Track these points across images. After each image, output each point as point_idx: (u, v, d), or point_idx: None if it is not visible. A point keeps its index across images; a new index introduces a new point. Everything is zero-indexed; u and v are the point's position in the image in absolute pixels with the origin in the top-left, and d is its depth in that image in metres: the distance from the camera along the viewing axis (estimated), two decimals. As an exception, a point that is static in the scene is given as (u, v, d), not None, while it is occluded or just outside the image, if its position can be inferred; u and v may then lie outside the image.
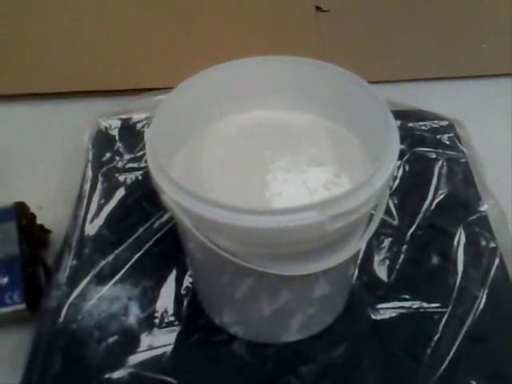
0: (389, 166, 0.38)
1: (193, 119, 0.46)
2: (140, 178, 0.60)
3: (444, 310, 0.49)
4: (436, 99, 0.72)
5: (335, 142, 0.45)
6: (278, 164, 0.43)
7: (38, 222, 0.59)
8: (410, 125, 0.64)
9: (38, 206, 0.60)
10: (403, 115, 0.64)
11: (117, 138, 0.64)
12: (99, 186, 0.59)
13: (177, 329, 0.48)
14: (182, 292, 0.51)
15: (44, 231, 0.60)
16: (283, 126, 0.47)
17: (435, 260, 0.52)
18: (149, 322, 0.49)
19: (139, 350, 0.47)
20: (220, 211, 0.35)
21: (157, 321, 0.49)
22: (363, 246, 0.43)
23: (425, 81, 0.76)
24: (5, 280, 0.52)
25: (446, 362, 0.45)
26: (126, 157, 0.62)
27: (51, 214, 0.60)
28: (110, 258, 0.53)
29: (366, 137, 0.44)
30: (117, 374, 0.46)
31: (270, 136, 0.46)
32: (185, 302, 0.50)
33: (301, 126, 0.47)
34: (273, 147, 0.45)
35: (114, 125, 0.66)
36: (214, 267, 0.43)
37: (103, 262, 0.53)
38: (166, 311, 0.50)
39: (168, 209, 0.38)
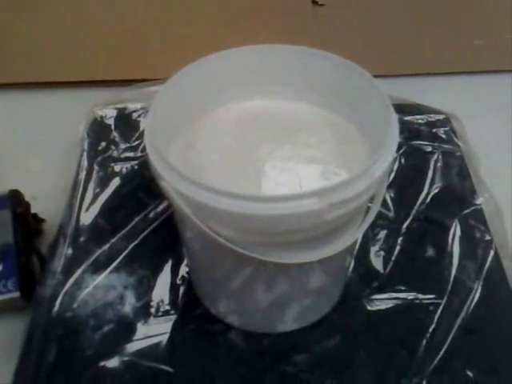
0: (388, 156, 0.38)
1: (191, 107, 0.45)
2: (136, 167, 0.60)
3: (439, 301, 0.49)
4: (432, 94, 0.72)
5: (335, 132, 0.45)
6: (276, 154, 0.43)
7: (32, 212, 0.59)
8: (407, 118, 0.64)
9: (32, 196, 0.60)
10: (400, 109, 0.63)
11: (112, 127, 0.64)
12: (94, 175, 0.59)
13: (172, 318, 0.48)
14: (178, 282, 0.51)
15: (38, 220, 0.59)
16: (283, 115, 0.47)
17: (430, 252, 0.53)
18: (144, 311, 0.49)
19: (135, 338, 0.47)
20: (220, 198, 0.35)
21: (152, 310, 0.49)
22: (360, 236, 0.43)
23: (421, 76, 0.76)
24: (-1, 268, 0.52)
25: (441, 353, 0.45)
26: (122, 146, 0.62)
27: (45, 204, 0.60)
28: (106, 246, 0.53)
29: (366, 128, 0.44)
30: (112, 363, 0.46)
31: (269, 125, 0.46)
32: (180, 292, 0.50)
33: (301, 116, 0.47)
34: (272, 137, 0.45)
35: (109, 114, 0.65)
36: (211, 256, 0.43)
37: (99, 251, 0.52)
38: (161, 300, 0.49)
39: (166, 195, 0.38)
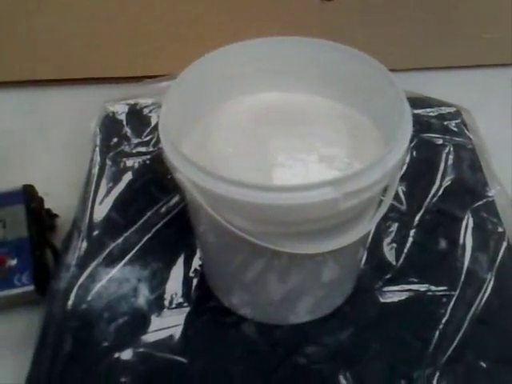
0: (401, 147, 0.38)
1: (204, 100, 0.46)
2: (148, 162, 0.60)
3: (452, 293, 0.49)
4: (441, 88, 0.72)
5: (348, 125, 0.45)
6: (290, 146, 0.44)
7: (45, 207, 0.59)
8: (417, 111, 0.64)
9: (44, 192, 0.60)
10: (410, 102, 0.64)
11: (124, 122, 0.64)
12: (107, 170, 0.59)
13: (186, 310, 0.49)
14: (191, 274, 0.51)
15: (51, 215, 0.60)
16: (296, 107, 0.47)
17: (443, 244, 0.53)
18: (158, 303, 0.49)
19: (149, 330, 0.47)
20: (234, 188, 0.35)
21: (166, 302, 0.49)
22: (373, 227, 0.43)
23: (430, 70, 0.77)
24: (14, 262, 0.52)
25: (454, 345, 0.46)
26: (134, 141, 0.62)
27: (58, 200, 0.61)
28: (119, 240, 0.53)
29: (380, 120, 0.44)
30: (127, 354, 0.46)
31: (282, 118, 0.46)
32: (194, 284, 0.50)
33: (314, 109, 0.47)
34: (285, 129, 0.45)
35: (121, 110, 0.66)
36: (225, 247, 0.43)
37: (112, 245, 0.53)
38: (175, 293, 0.50)
39: (181, 187, 0.38)
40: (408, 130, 0.39)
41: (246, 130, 0.45)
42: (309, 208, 0.35)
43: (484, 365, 0.45)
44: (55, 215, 0.60)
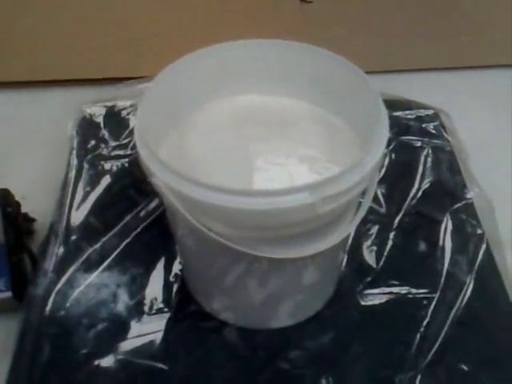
0: (378, 150, 0.38)
1: (181, 102, 0.45)
2: (126, 165, 0.59)
3: (432, 295, 0.49)
4: (421, 90, 0.73)
5: (326, 128, 0.45)
6: (268, 149, 0.43)
7: (22, 211, 0.58)
8: (396, 114, 0.64)
9: (21, 195, 0.60)
10: (388, 104, 0.64)
11: (101, 125, 0.64)
12: (84, 174, 0.59)
13: (166, 315, 0.48)
14: (171, 279, 0.51)
15: (29, 219, 0.59)
16: (274, 111, 0.47)
17: (422, 247, 0.53)
18: (138, 309, 0.49)
19: (129, 336, 0.47)
20: (211, 192, 0.35)
21: (146, 308, 0.49)
22: (353, 230, 0.43)
23: (408, 72, 0.77)
24: (-10, 268, 0.51)
25: (435, 347, 0.46)
26: (112, 144, 0.62)
27: (35, 204, 0.60)
28: (98, 245, 0.52)
29: (357, 123, 0.44)
30: (106, 361, 0.46)
31: (261, 121, 0.46)
32: (174, 289, 0.50)
33: (291, 112, 0.47)
34: (264, 132, 0.45)
35: (98, 112, 0.65)
36: (204, 252, 0.43)
37: (90, 250, 0.52)
38: (155, 298, 0.49)
39: (158, 192, 0.37)
40: (384, 133, 0.39)
41: (224, 133, 0.45)
42: (286, 213, 0.35)
43: (465, 367, 0.45)
44: (32, 219, 0.59)
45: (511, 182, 0.61)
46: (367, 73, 0.71)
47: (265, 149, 0.43)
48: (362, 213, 0.40)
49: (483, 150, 0.63)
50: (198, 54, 0.45)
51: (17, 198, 0.58)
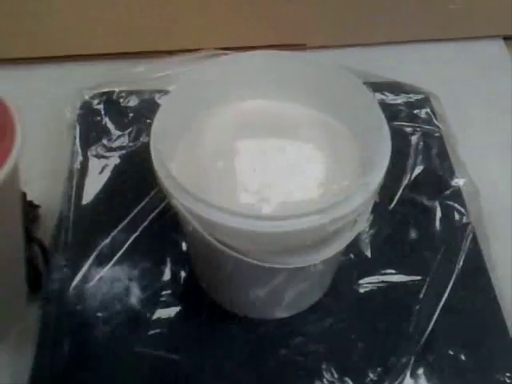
0: (382, 167, 0.41)
1: (195, 108, 0.47)
2: (130, 156, 0.61)
3: (423, 283, 0.53)
4: (407, 63, 0.75)
5: (330, 135, 0.48)
6: (276, 158, 0.46)
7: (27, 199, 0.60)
8: (386, 98, 0.66)
9: (23, 180, 0.61)
10: (379, 87, 0.67)
11: (102, 112, 0.65)
12: (90, 166, 0.60)
13: (177, 308, 0.51)
14: (180, 271, 0.53)
15: (33, 206, 0.61)
16: (281, 117, 0.49)
17: (414, 234, 0.56)
18: (150, 302, 0.52)
19: (142, 329, 0.50)
20: (229, 217, 0.38)
21: (158, 300, 0.52)
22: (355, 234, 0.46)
23: (399, 44, 0.78)
24: (2, 263, 0.54)
25: (427, 333, 0.50)
26: (114, 134, 0.63)
27: (38, 188, 0.61)
28: (107, 239, 0.55)
29: (359, 130, 0.47)
30: (124, 354, 0.49)
31: (267, 128, 0.48)
32: (183, 281, 0.53)
33: (298, 118, 0.49)
34: (271, 140, 0.47)
35: (98, 99, 0.66)
36: (212, 258, 0.45)
37: (102, 244, 0.54)
38: (165, 291, 0.52)
39: (176, 211, 0.40)
40: (387, 150, 0.41)
41: (232, 141, 0.47)
42: (298, 234, 0.38)
43: (451, 352, 0.49)
44: (37, 206, 0.61)
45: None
46: (352, 45, 0.74)
47: (272, 158, 0.46)
48: (364, 219, 0.44)
49: (471, 130, 0.66)
50: (209, 65, 0.47)
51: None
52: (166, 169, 0.40)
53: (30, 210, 0.59)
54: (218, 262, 0.45)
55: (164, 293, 0.52)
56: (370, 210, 0.44)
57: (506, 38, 0.80)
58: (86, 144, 0.62)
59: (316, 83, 0.47)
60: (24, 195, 0.59)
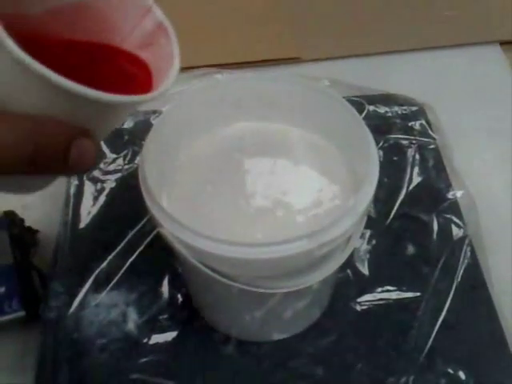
0: (370, 189, 0.40)
1: (181, 135, 0.47)
2: (125, 179, 0.61)
3: (421, 299, 0.52)
4: (404, 71, 0.75)
5: (320, 155, 0.48)
6: (266, 180, 0.46)
7: (26, 224, 0.60)
8: (382, 111, 0.66)
9: (22, 204, 0.62)
10: (374, 100, 0.67)
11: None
12: (85, 190, 0.60)
13: (174, 332, 0.51)
14: (177, 295, 0.53)
15: (32, 231, 0.61)
16: (270, 138, 0.49)
17: (412, 250, 0.56)
18: (147, 327, 0.52)
19: (139, 355, 0.50)
20: (217, 245, 0.37)
21: (155, 325, 0.52)
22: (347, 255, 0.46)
23: (393, 53, 0.78)
24: (2, 289, 0.54)
25: (426, 351, 0.49)
26: (110, 157, 0.63)
27: (37, 212, 0.62)
28: (104, 264, 0.55)
29: (345, 149, 0.47)
30: (121, 381, 0.49)
31: (256, 150, 0.48)
32: (180, 304, 0.53)
33: (287, 139, 0.49)
34: (260, 162, 0.47)
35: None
36: (204, 284, 0.46)
37: (98, 269, 0.54)
38: (162, 315, 0.52)
39: (164, 239, 0.40)
40: (375, 172, 0.41)
41: (221, 165, 0.47)
42: (286, 259, 0.38)
43: (451, 370, 0.49)
44: (36, 231, 0.61)
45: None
46: (346, 57, 0.73)
47: (261, 180, 0.46)
48: (355, 239, 0.43)
49: (466, 138, 0.66)
50: (195, 90, 0.47)
51: (18, 208, 0.60)
52: (153, 197, 0.40)
53: (28, 236, 0.60)
54: (210, 288, 0.45)
55: (161, 317, 0.52)
56: (362, 228, 0.43)
57: (502, 43, 0.80)
58: (82, 168, 0.62)
59: (303, 103, 0.47)
60: (22, 223, 0.60)
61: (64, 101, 0.30)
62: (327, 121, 0.47)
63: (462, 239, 0.56)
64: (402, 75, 0.74)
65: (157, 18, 0.37)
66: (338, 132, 0.46)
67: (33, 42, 0.28)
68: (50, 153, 0.30)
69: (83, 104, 0.30)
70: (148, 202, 0.40)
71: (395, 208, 0.58)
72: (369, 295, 0.53)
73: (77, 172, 0.33)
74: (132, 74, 0.37)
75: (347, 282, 0.54)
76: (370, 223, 0.57)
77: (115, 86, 0.32)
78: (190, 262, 0.39)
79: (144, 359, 0.50)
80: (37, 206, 0.63)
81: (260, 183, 0.46)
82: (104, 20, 0.37)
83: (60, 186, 0.63)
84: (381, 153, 0.62)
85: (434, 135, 0.64)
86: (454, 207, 0.58)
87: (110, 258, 0.55)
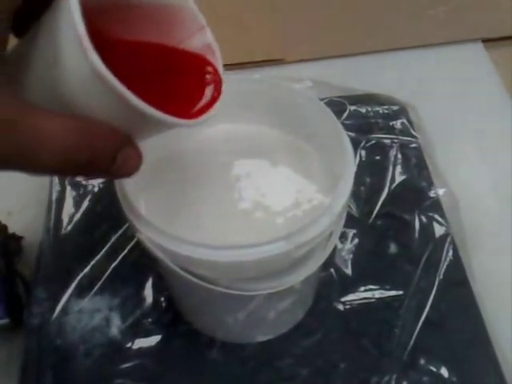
0: (346, 190, 0.40)
1: (160, 138, 0.47)
2: (108, 184, 0.61)
3: (404, 297, 0.52)
4: (387, 71, 0.75)
5: (298, 156, 0.48)
6: (243, 182, 0.46)
7: (9, 226, 0.60)
8: (363, 111, 0.66)
9: (7, 211, 0.61)
10: (356, 100, 0.67)
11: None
12: (67, 195, 0.60)
13: (158, 336, 0.51)
14: (161, 298, 0.53)
15: (17, 238, 0.61)
16: (248, 141, 0.49)
17: (394, 248, 0.56)
18: (131, 332, 0.52)
19: (123, 360, 0.50)
20: (195, 248, 0.37)
21: (138, 329, 0.52)
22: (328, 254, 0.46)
23: (376, 53, 0.78)
24: (-14, 297, 0.54)
25: (408, 349, 0.49)
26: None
27: (21, 219, 0.62)
28: (87, 269, 0.55)
29: (322, 150, 0.47)
30: (106, 387, 0.49)
31: (235, 152, 0.48)
32: (164, 308, 0.53)
33: (265, 141, 0.49)
34: (238, 164, 0.47)
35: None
36: (184, 287, 0.46)
37: (81, 274, 0.54)
38: (146, 319, 0.52)
39: (142, 243, 0.40)
40: (351, 172, 0.41)
41: (199, 170, 0.47)
42: (264, 261, 0.38)
43: (434, 368, 0.49)
44: (21, 237, 0.61)
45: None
46: (329, 57, 0.73)
47: (241, 182, 0.46)
48: (334, 239, 0.43)
49: (448, 139, 0.66)
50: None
51: (2, 215, 0.60)
52: (129, 203, 0.40)
53: (12, 242, 0.60)
54: (191, 291, 0.45)
55: (145, 321, 0.52)
56: (341, 227, 0.43)
57: (484, 41, 0.80)
58: (64, 174, 0.62)
59: (279, 105, 0.47)
60: (5, 230, 0.60)
61: (128, 114, 0.30)
62: (304, 122, 0.47)
63: (444, 237, 0.56)
64: (385, 75, 0.74)
65: (207, 38, 0.37)
66: (315, 133, 0.46)
67: (96, 36, 0.28)
68: (103, 157, 0.31)
69: (144, 120, 0.30)
70: (125, 208, 0.40)
71: (377, 207, 0.58)
72: (352, 295, 0.53)
73: (117, 178, 0.34)
74: (191, 90, 0.36)
75: (330, 282, 0.54)
76: (353, 223, 0.57)
77: (173, 100, 0.34)
78: (169, 266, 0.39)
79: (128, 364, 0.50)
80: (21, 213, 0.63)
81: (238, 185, 0.46)
82: (157, 22, 0.36)
83: (44, 193, 0.62)
84: (363, 153, 0.63)
85: (415, 134, 0.64)
86: (436, 205, 0.58)
87: (92, 262, 0.55)
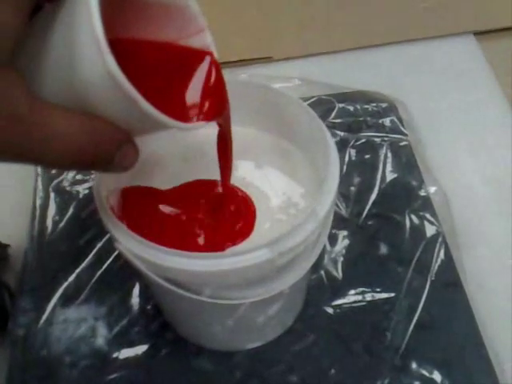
0: (331, 193, 0.39)
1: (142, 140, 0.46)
2: (90, 189, 0.60)
3: (395, 299, 0.51)
4: (377, 66, 0.74)
5: (284, 157, 0.47)
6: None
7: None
8: (352, 109, 0.65)
9: (-8, 221, 0.60)
10: (345, 98, 0.66)
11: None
12: (51, 202, 0.59)
13: (144, 345, 0.50)
14: (147, 307, 0.52)
15: (2, 246, 0.60)
16: (236, 142, 0.47)
17: (384, 249, 0.55)
18: (117, 341, 0.50)
19: (110, 370, 0.49)
20: (175, 258, 0.36)
21: (125, 339, 0.50)
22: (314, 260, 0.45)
23: (365, 48, 0.77)
24: (-29, 307, 0.53)
25: (400, 353, 0.48)
26: (75, 167, 0.61)
27: (9, 226, 0.61)
28: (72, 277, 0.54)
29: (308, 151, 0.46)
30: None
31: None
32: (151, 317, 0.52)
33: (251, 142, 0.48)
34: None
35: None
36: (170, 297, 0.44)
37: (65, 283, 0.53)
38: (132, 328, 0.51)
39: (121, 254, 0.39)
40: (335, 176, 0.40)
41: (183, 173, 0.46)
42: (247, 270, 0.37)
43: (426, 373, 0.48)
44: (6, 246, 0.60)
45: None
46: (317, 54, 0.72)
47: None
48: (321, 244, 0.42)
49: (438, 135, 0.65)
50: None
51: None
52: (107, 212, 0.39)
53: (-1, 253, 0.59)
54: (175, 301, 0.44)
55: (131, 330, 0.51)
56: (327, 231, 0.42)
57: (476, 34, 0.78)
58: (48, 179, 0.61)
59: (264, 106, 0.46)
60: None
61: (135, 116, 0.30)
62: (289, 123, 0.46)
63: (436, 236, 0.55)
64: (375, 71, 0.73)
65: (206, 39, 0.37)
66: (300, 134, 0.45)
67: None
68: (106, 154, 0.32)
69: (148, 122, 0.30)
70: (103, 217, 0.39)
71: (368, 207, 0.57)
72: (342, 298, 0.52)
73: (113, 172, 0.34)
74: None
75: (320, 286, 0.53)
76: (343, 224, 0.56)
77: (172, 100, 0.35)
78: (151, 277, 0.38)
79: (115, 375, 0.49)
80: (7, 220, 0.62)
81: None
82: (157, 20, 0.36)
83: (30, 199, 0.61)
84: (352, 151, 0.61)
85: (405, 131, 0.63)
86: (427, 204, 0.57)
87: (77, 271, 0.54)
